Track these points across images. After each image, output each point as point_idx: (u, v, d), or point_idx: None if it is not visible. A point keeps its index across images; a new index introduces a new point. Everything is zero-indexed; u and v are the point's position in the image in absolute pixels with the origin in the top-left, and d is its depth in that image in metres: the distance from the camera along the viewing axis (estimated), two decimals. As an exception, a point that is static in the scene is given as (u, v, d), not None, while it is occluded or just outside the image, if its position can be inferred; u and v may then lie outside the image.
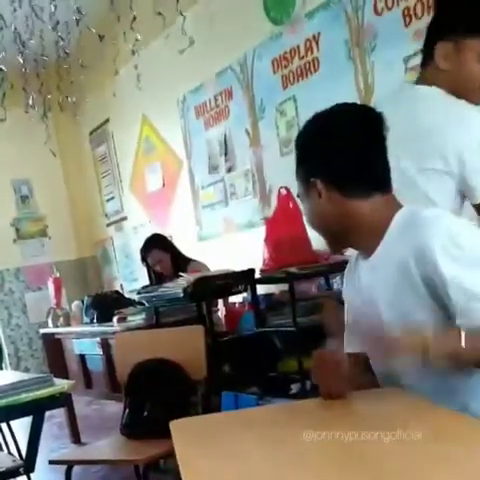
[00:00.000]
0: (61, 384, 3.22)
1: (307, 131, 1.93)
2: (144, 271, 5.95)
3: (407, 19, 4.08)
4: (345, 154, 1.83)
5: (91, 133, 8.65)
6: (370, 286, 1.88)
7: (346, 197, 1.83)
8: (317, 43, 4.83)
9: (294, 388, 3.83)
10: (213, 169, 6.21)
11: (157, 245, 5.62)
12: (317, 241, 4.17)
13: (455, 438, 1.37)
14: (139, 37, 5.73)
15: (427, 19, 3.88)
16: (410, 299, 1.74)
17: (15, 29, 5.73)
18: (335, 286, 4.41)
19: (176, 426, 1.72)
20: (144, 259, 5.66)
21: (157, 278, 5.53)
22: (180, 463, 1.38)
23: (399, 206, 1.85)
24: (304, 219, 2.01)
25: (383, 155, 1.85)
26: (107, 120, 8.19)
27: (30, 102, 6.29)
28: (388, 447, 1.33)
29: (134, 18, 5.47)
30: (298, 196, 1.99)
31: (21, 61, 5.96)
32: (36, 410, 3.24)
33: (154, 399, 3.54)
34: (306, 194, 1.91)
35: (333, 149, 1.84)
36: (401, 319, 1.77)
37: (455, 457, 1.26)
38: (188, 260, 5.52)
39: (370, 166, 1.85)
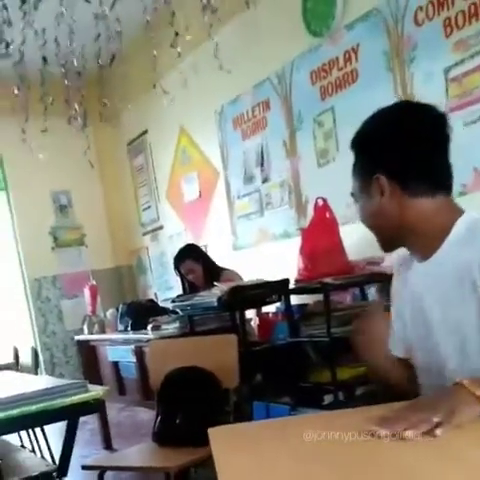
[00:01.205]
0: (96, 390, 3.18)
1: (371, 126, 1.89)
2: (178, 280, 5.94)
3: (448, 29, 4.02)
4: (412, 150, 1.78)
5: (129, 144, 8.67)
6: (421, 292, 1.82)
7: (409, 195, 1.78)
8: (356, 54, 4.78)
9: (327, 399, 3.77)
10: (249, 180, 6.18)
11: (190, 255, 5.62)
12: (353, 251, 4.14)
13: (456, 435, 1.35)
14: (179, 50, 5.71)
15: (468, 29, 3.88)
16: (465, 305, 1.67)
17: (57, 44, 5.75)
18: (370, 297, 4.35)
19: (214, 434, 1.68)
20: (177, 268, 5.65)
21: (190, 287, 5.52)
22: (218, 471, 1.35)
23: (461, 211, 1.79)
24: (360, 218, 1.94)
25: (447, 156, 1.80)
26: (145, 131, 8.21)
27: (74, 113, 6.32)
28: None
29: (176, 34, 5.47)
30: (352, 194, 1.95)
31: (63, 73, 5.99)
32: (70, 415, 3.22)
33: (186, 407, 3.52)
34: (365, 191, 1.86)
35: (400, 144, 1.79)
36: (450, 327, 1.72)
37: (457, 455, 1.24)
38: (221, 269, 5.51)
39: (436, 164, 1.80)
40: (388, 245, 1.92)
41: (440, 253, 1.76)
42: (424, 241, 1.79)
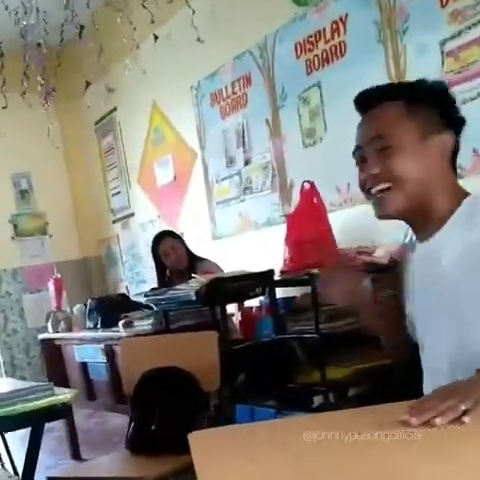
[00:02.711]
0: (63, 394, 3.19)
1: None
2: (152, 273, 5.94)
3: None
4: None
5: (97, 123, 8.65)
6: (424, 274, 1.93)
7: (451, 165, 1.92)
8: (344, 25, 4.80)
9: (316, 401, 3.81)
10: (229, 162, 6.20)
11: (170, 234, 5.70)
12: (342, 240, 4.17)
13: (458, 436, 1.43)
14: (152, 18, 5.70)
15: (465, -1, 3.90)
16: (466, 283, 1.77)
17: (16, 13, 5.73)
18: (362, 290, 4.38)
19: (195, 439, 1.68)
20: (154, 252, 5.62)
21: (167, 278, 5.52)
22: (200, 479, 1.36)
23: (467, 193, 1.90)
24: (388, 169, 1.88)
25: None
26: (114, 109, 8.19)
27: (39, 88, 6.29)
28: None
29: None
30: (380, 137, 1.91)
31: (22, 45, 5.97)
32: (35, 421, 3.21)
33: (163, 411, 3.52)
34: (420, 142, 1.88)
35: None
36: (459, 307, 1.82)
37: (460, 457, 1.31)
38: (199, 259, 5.53)
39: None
40: (404, 209, 1.91)
41: (439, 235, 1.87)
42: (432, 218, 1.88)
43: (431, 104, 1.93)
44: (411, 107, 1.91)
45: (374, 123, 1.93)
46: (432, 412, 1.48)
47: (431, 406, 1.51)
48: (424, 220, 1.91)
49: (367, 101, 1.97)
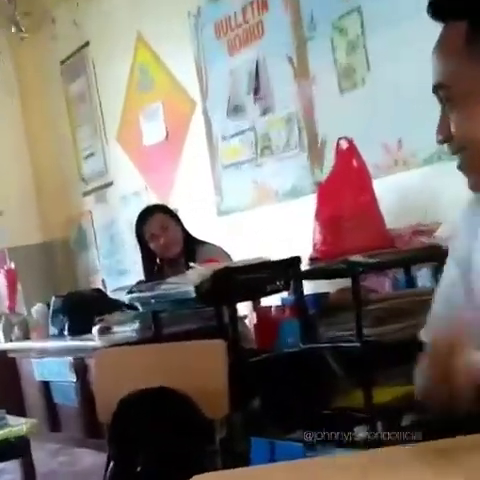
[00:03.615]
0: (18, 424, 3.15)
1: None
2: (137, 260, 5.92)
3: None
4: None
5: (63, 62, 8.65)
6: None
7: None
8: None
9: (359, 432, 3.77)
10: (239, 112, 6.19)
11: (160, 209, 5.72)
12: (392, 216, 4.12)
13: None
14: None
15: None
16: None
17: None
18: (420, 283, 4.35)
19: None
20: (139, 234, 5.58)
21: (157, 268, 5.50)
22: None
23: None
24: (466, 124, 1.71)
25: None
26: (86, 43, 8.21)
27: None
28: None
29: None
30: (441, 86, 1.75)
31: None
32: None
33: (151, 447, 3.50)
34: None
35: None
36: None
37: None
38: (200, 244, 5.50)
39: None
40: None
41: None
42: None
43: None
44: (475, 31, 1.68)
45: (435, 60, 1.75)
46: None
47: None
48: None
49: (437, 14, 1.78)
